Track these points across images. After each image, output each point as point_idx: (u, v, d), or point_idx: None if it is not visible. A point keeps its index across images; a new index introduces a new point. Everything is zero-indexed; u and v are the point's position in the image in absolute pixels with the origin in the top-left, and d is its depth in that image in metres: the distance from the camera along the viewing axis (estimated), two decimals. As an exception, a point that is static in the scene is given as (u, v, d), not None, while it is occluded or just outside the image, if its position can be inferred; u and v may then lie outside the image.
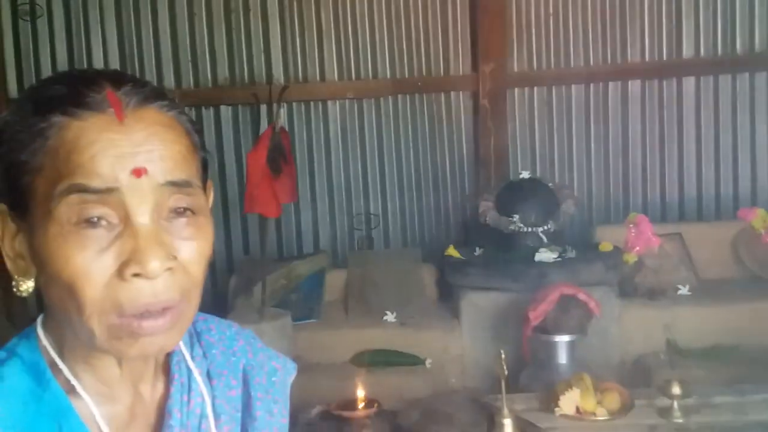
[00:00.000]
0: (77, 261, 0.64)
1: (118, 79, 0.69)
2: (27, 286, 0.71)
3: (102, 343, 0.67)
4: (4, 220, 0.71)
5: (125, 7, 3.87)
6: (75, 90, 0.67)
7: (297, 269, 3.58)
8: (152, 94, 0.70)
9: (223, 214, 3.87)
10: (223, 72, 3.95)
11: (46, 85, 0.70)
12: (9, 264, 0.71)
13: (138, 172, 0.65)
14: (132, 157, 0.65)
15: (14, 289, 0.71)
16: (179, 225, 0.68)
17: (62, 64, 3.88)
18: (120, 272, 0.64)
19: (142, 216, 0.66)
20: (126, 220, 0.65)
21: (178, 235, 0.68)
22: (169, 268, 0.66)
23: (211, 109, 3.94)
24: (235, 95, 3.92)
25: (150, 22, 3.89)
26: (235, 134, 3.96)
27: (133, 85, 0.69)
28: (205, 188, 0.75)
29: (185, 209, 0.69)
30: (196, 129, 0.74)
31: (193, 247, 0.69)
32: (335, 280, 3.59)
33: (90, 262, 0.64)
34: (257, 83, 3.89)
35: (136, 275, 0.64)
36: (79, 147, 0.65)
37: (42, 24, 3.88)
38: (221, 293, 3.58)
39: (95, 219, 0.65)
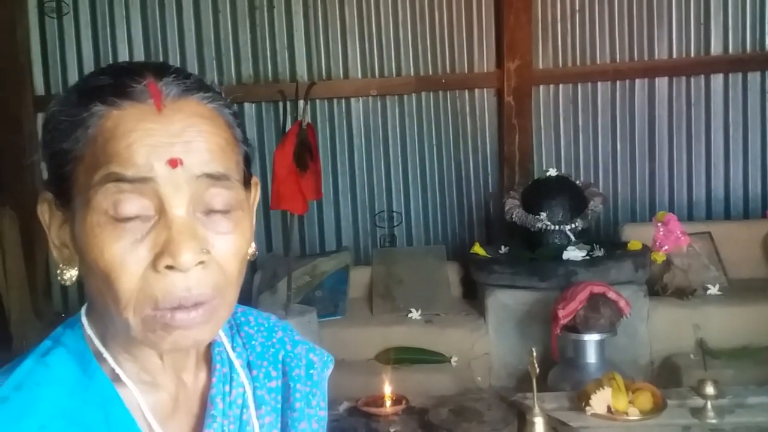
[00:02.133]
0: (112, 251, 0.64)
1: (161, 69, 0.69)
2: (71, 274, 0.71)
3: (137, 335, 0.67)
4: (51, 209, 0.71)
5: (150, 4, 3.89)
6: (117, 80, 0.67)
7: (321, 266, 3.57)
8: (194, 86, 0.69)
9: (246, 211, 3.87)
10: (247, 69, 3.95)
11: (92, 77, 0.70)
12: (55, 252, 0.72)
13: (173, 163, 0.64)
14: (168, 147, 0.65)
15: (59, 278, 0.72)
16: (216, 219, 0.67)
17: (88, 62, 3.91)
18: (154, 264, 0.64)
19: (178, 208, 0.65)
20: (161, 211, 0.65)
21: (213, 229, 0.67)
22: (202, 262, 0.65)
23: (235, 107, 3.92)
24: (258, 92, 3.92)
25: (175, 19, 3.91)
26: (259, 131, 3.96)
27: (175, 76, 0.68)
28: (248, 183, 0.74)
29: (222, 203, 0.68)
30: (238, 123, 0.73)
31: (229, 242, 0.68)
32: (359, 278, 3.58)
33: (125, 253, 0.64)
34: (281, 81, 3.89)
35: (168, 267, 0.64)
36: (117, 136, 0.65)
37: (68, 21, 3.91)
38: (245, 290, 3.54)
39: (129, 210, 0.64)
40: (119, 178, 0.64)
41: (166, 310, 0.65)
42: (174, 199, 0.65)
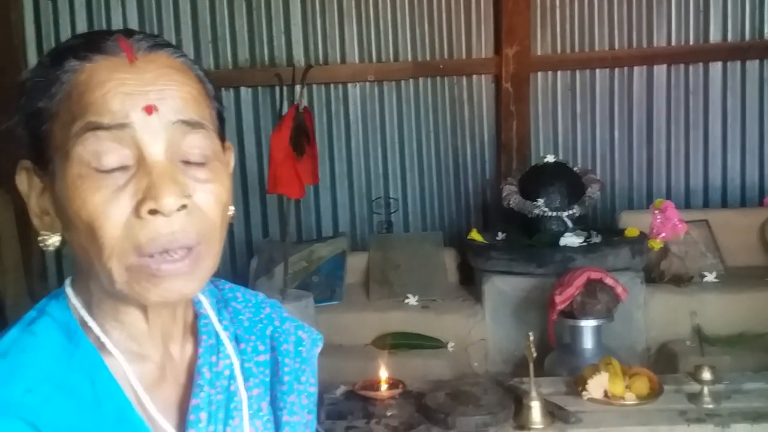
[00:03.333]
0: (95, 200, 0.65)
1: (130, 30, 0.71)
2: (53, 240, 0.72)
3: (122, 287, 0.67)
4: (30, 177, 0.72)
5: (146, -14, 3.85)
6: (89, 39, 0.70)
7: (318, 251, 3.56)
8: (163, 42, 0.72)
9: (242, 196, 3.85)
10: (244, 53, 3.92)
11: (65, 42, 0.72)
12: (35, 221, 0.73)
13: (149, 109, 0.66)
14: (143, 95, 0.66)
15: (41, 245, 0.72)
16: (194, 168, 0.69)
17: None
18: (137, 210, 0.65)
19: (156, 154, 0.66)
20: (140, 159, 0.66)
21: (193, 177, 0.68)
22: (184, 206, 0.66)
23: (231, 91, 3.91)
24: (255, 77, 3.90)
25: (170, 3, 3.87)
26: (255, 116, 3.93)
27: (145, 35, 0.71)
28: (222, 142, 0.75)
29: (199, 151, 0.69)
30: (209, 80, 0.75)
31: (209, 190, 0.69)
32: (356, 263, 3.57)
33: (107, 202, 0.65)
34: (278, 65, 3.86)
35: (152, 212, 0.65)
36: (91, 87, 0.66)
37: (63, 4, 3.87)
38: (242, 275, 3.58)
39: (109, 158, 0.65)
40: (96, 126, 0.65)
41: (150, 258, 0.65)
42: (152, 146, 0.66)
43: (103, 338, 0.71)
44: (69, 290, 0.74)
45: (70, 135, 0.66)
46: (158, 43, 0.71)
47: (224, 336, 0.80)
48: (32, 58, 3.89)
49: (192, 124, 0.68)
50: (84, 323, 0.72)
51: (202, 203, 0.68)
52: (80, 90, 0.66)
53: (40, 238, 0.72)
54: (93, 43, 0.69)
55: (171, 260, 0.66)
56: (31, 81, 0.70)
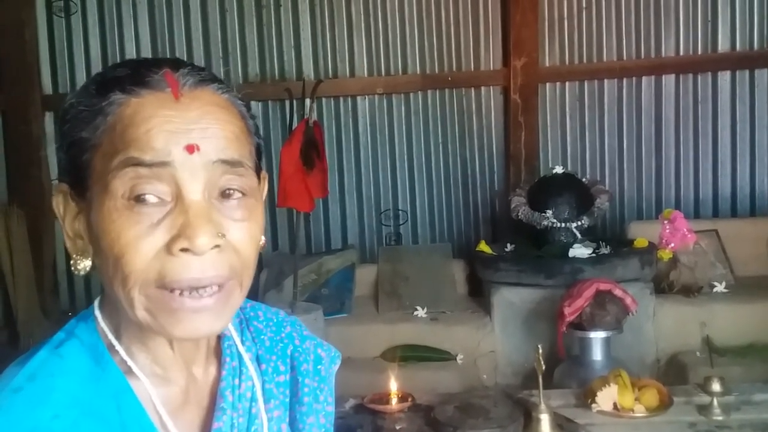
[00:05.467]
0: (129, 235, 0.65)
1: (177, 62, 0.71)
2: (84, 265, 0.72)
3: (143, 316, 0.67)
4: (66, 200, 0.73)
5: (158, 3, 3.91)
6: (136, 71, 0.69)
7: (327, 264, 3.58)
8: (209, 77, 0.71)
9: (252, 209, 3.87)
10: (254, 68, 3.97)
11: (111, 69, 0.72)
12: (68, 243, 0.73)
13: (191, 148, 0.66)
14: (186, 133, 0.66)
15: (72, 269, 0.73)
16: (230, 206, 0.69)
17: (96, 61, 3.93)
18: (168, 247, 0.65)
19: (194, 193, 0.66)
20: (178, 196, 0.66)
21: (229, 215, 0.69)
22: (217, 246, 0.66)
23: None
24: (265, 91, 3.94)
25: (182, 18, 3.92)
26: (266, 130, 3.97)
27: (191, 69, 0.70)
28: (258, 175, 0.75)
29: (236, 190, 0.69)
30: (251, 115, 0.75)
31: (243, 229, 0.69)
32: (365, 275, 3.59)
33: (141, 237, 0.65)
34: (287, 79, 3.90)
35: (183, 250, 0.65)
36: (135, 122, 0.66)
37: (76, 20, 3.93)
38: (251, 288, 3.56)
39: (147, 194, 0.65)
40: (137, 163, 0.65)
41: (171, 291, 0.66)
42: (191, 184, 0.66)
43: (130, 362, 0.72)
44: (98, 313, 0.75)
45: (110, 168, 0.66)
46: (204, 79, 0.70)
47: (247, 357, 0.80)
48: (45, 74, 3.96)
49: (232, 163, 0.68)
50: (111, 347, 0.73)
51: (235, 241, 0.68)
52: (124, 124, 0.66)
53: (72, 261, 0.72)
54: (139, 75, 0.68)
55: (198, 297, 0.66)
56: (75, 109, 0.70)
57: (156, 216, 0.66)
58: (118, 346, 0.72)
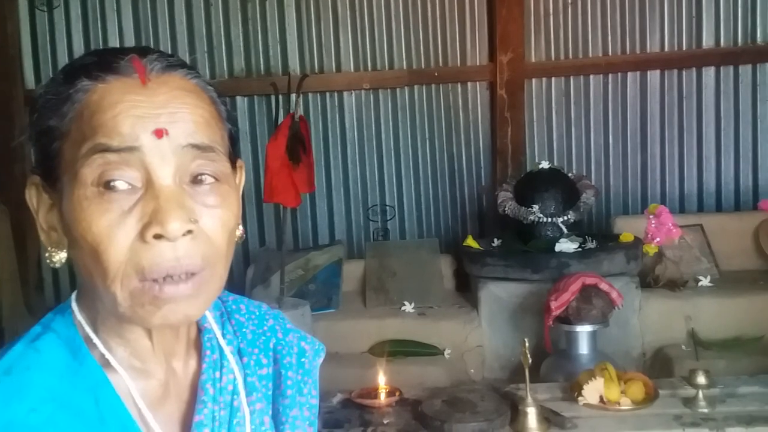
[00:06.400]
0: (100, 223, 0.64)
1: (144, 49, 0.71)
2: (59, 257, 0.71)
3: (125, 310, 0.66)
4: (39, 193, 0.72)
5: (142, -3, 3.87)
6: (102, 58, 0.69)
7: (314, 259, 3.57)
8: (177, 62, 0.71)
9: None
10: (239, 62, 3.94)
11: (78, 58, 0.72)
12: (42, 236, 0.72)
13: (159, 133, 0.65)
14: (154, 118, 0.66)
15: (47, 261, 0.72)
16: (203, 191, 0.68)
17: (78, 55, 3.85)
18: (142, 234, 0.64)
19: (164, 178, 0.66)
20: (148, 182, 0.65)
21: (201, 201, 0.68)
22: (190, 231, 0.66)
23: (227, 100, 3.90)
24: (251, 86, 3.92)
25: (166, 12, 3.89)
26: (251, 125, 3.95)
27: (159, 55, 0.70)
28: (233, 163, 0.74)
29: (208, 175, 0.68)
30: (222, 101, 0.75)
31: (216, 215, 0.69)
32: (352, 271, 3.58)
33: (113, 225, 0.64)
34: (273, 74, 3.89)
35: (157, 237, 0.64)
36: (102, 108, 0.66)
37: (59, 14, 3.89)
38: (238, 284, 3.58)
39: (116, 181, 0.65)
40: (105, 149, 0.65)
41: (153, 281, 0.65)
42: (161, 169, 0.65)
43: (108, 355, 0.71)
44: (75, 306, 0.74)
45: (79, 155, 0.65)
46: (172, 64, 0.70)
47: (228, 350, 0.80)
48: (28, 69, 3.92)
49: (202, 148, 0.68)
50: (89, 339, 0.72)
51: (208, 228, 0.68)
52: (91, 110, 0.66)
53: (47, 254, 0.71)
54: (106, 62, 0.68)
55: (173, 283, 0.65)
56: (43, 98, 0.69)
57: (127, 203, 0.65)
58: (95, 339, 0.72)
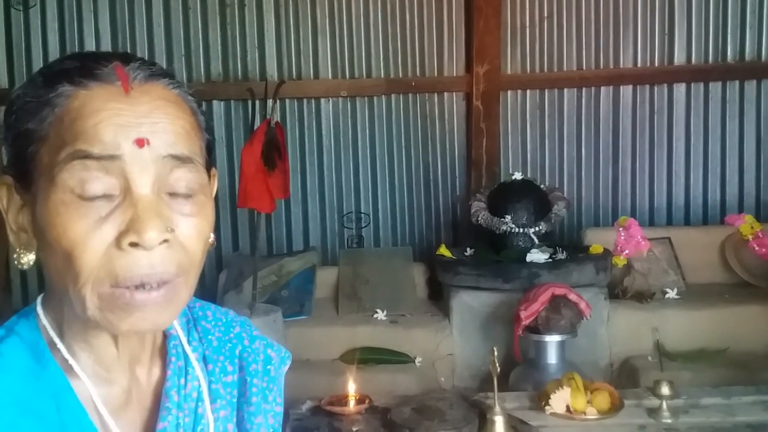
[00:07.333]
0: (76, 229, 0.64)
1: (127, 56, 0.71)
2: (28, 259, 0.71)
3: (94, 314, 0.66)
4: (10, 193, 0.71)
5: (119, -2, 3.85)
6: (84, 63, 0.69)
7: (287, 266, 3.57)
8: (160, 72, 0.71)
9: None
10: (217, 67, 3.94)
11: (58, 61, 0.71)
12: (12, 237, 0.72)
13: (140, 142, 0.66)
14: (136, 127, 0.66)
15: (15, 262, 0.72)
16: (180, 201, 0.69)
17: (54, 55, 3.84)
18: (117, 241, 0.65)
19: (143, 187, 0.66)
20: (126, 190, 0.66)
21: (178, 210, 0.68)
22: (166, 240, 0.66)
23: (204, 105, 3.89)
24: (228, 91, 3.91)
25: (144, 14, 3.87)
26: (227, 130, 3.94)
27: (141, 63, 0.70)
28: (209, 171, 0.75)
29: (186, 186, 0.69)
30: (201, 111, 0.75)
31: (192, 224, 0.69)
32: (326, 278, 3.59)
33: (89, 231, 0.64)
34: (251, 79, 3.88)
35: (133, 245, 0.64)
36: (84, 114, 0.66)
37: (34, 14, 3.85)
38: (210, 289, 3.57)
39: (94, 188, 0.65)
40: (86, 156, 0.65)
41: (125, 288, 0.65)
42: (140, 178, 0.66)
43: (71, 361, 0.71)
44: (40, 309, 0.74)
45: (57, 160, 0.65)
46: (155, 73, 0.70)
47: (193, 357, 0.80)
48: (1, 69, 3.87)
49: (182, 159, 0.68)
50: (53, 344, 0.71)
51: (183, 237, 0.68)
52: (72, 116, 0.66)
53: (15, 256, 0.71)
54: (88, 68, 0.68)
55: (146, 291, 0.66)
56: (21, 100, 0.69)
57: (104, 210, 0.65)
58: (59, 344, 0.71)
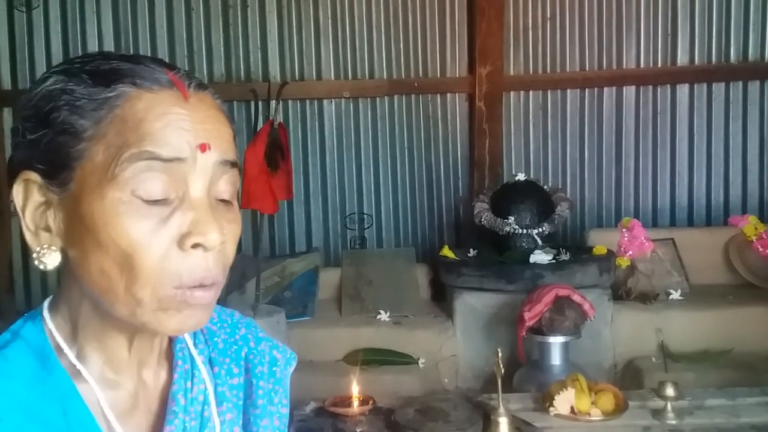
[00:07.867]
0: (139, 230, 0.65)
1: (169, 64, 0.73)
2: (52, 258, 0.69)
3: (144, 314, 0.67)
4: (29, 191, 0.69)
5: (122, -1, 3.85)
6: (141, 66, 0.69)
7: (290, 267, 3.57)
8: (203, 82, 0.73)
9: (216, 210, 3.85)
10: (220, 68, 3.94)
11: (101, 60, 0.70)
12: (29, 237, 0.70)
13: (203, 147, 0.68)
14: (198, 132, 0.68)
15: (36, 263, 0.70)
16: (222, 207, 0.71)
17: (57, 56, 3.86)
18: (180, 243, 0.66)
19: (200, 190, 0.68)
20: (185, 194, 0.68)
21: (222, 216, 0.70)
22: (224, 242, 0.69)
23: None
24: (230, 92, 3.90)
25: (147, 16, 3.88)
26: (230, 131, 3.93)
27: (185, 72, 0.72)
28: None
29: (229, 192, 0.72)
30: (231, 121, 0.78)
31: (232, 231, 0.71)
32: (329, 279, 3.59)
33: (152, 232, 0.66)
34: (253, 80, 3.89)
35: (195, 246, 0.66)
36: (150, 117, 0.67)
37: (37, 15, 3.86)
38: (213, 290, 3.56)
39: (157, 190, 0.66)
40: (153, 157, 0.66)
41: (186, 288, 0.67)
42: (198, 182, 0.68)
43: (78, 365, 0.71)
44: (47, 313, 0.73)
45: (119, 159, 0.65)
46: (201, 83, 0.72)
47: (199, 360, 0.80)
48: (5, 70, 3.88)
49: (231, 164, 0.71)
50: (59, 348, 0.71)
51: (226, 242, 0.70)
52: (138, 117, 0.66)
53: (35, 255, 0.69)
54: (148, 71, 0.69)
55: (204, 289, 0.68)
56: (70, 95, 0.67)
57: (164, 212, 0.66)
58: (66, 349, 0.71)
